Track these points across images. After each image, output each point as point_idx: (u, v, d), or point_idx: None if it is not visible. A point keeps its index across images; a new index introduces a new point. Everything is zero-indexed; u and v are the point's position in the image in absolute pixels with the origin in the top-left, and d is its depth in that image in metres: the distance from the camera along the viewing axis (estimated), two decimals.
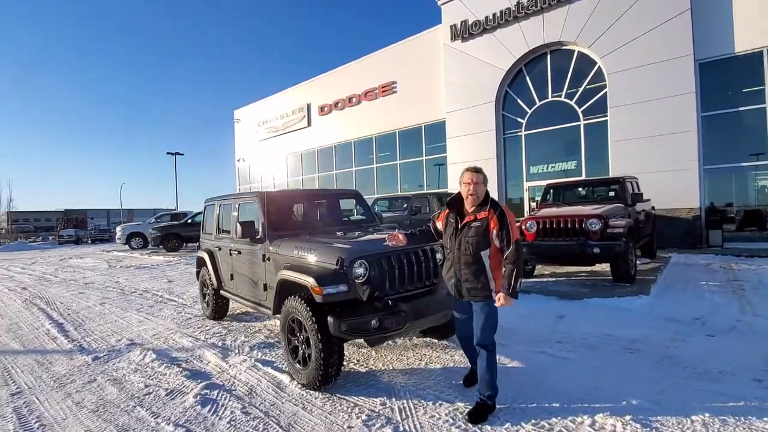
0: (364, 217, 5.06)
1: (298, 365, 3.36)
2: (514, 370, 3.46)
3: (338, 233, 4.05)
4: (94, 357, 4.41)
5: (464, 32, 14.28)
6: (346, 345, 3.94)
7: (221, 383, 3.53)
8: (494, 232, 2.63)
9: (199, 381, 3.58)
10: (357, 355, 3.96)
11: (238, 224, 4.17)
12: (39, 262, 16.32)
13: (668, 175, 10.49)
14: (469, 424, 2.65)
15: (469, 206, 2.78)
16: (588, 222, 6.11)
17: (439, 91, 15.45)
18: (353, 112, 19.09)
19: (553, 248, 6.30)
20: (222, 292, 5.21)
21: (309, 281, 3.13)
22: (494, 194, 13.52)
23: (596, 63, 11.88)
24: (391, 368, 3.64)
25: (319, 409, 2.96)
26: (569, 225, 6.26)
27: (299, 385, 3.33)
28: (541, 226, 6.51)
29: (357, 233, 4.24)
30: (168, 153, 31.69)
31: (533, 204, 8.23)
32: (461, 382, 3.24)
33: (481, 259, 2.66)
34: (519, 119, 13.72)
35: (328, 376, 3.16)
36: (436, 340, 4.26)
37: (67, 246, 28.34)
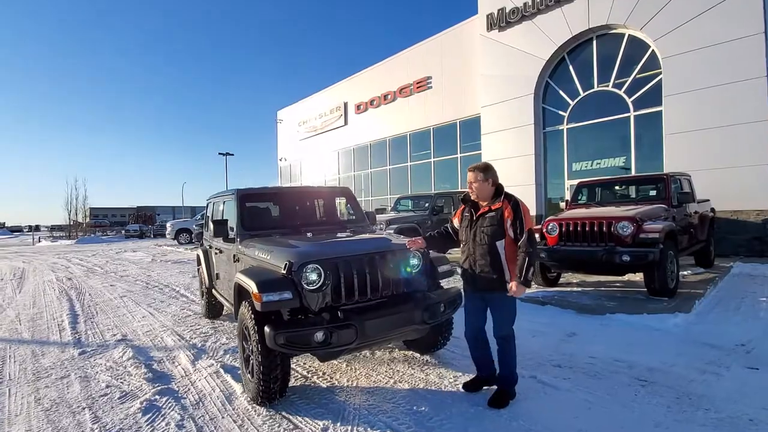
0: (354, 217, 4.72)
1: (249, 376, 3.10)
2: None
3: (308, 234, 3.74)
4: (82, 351, 4.45)
5: (501, 21, 13.44)
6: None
7: (176, 389, 3.36)
8: (509, 221, 2.66)
9: (157, 385, 3.43)
10: (325, 366, 3.64)
11: (211, 222, 4.01)
12: (99, 254, 17.67)
13: (733, 172, 9.10)
14: None
15: (481, 201, 2.85)
16: (618, 225, 5.33)
17: (475, 85, 14.71)
18: (388, 109, 18.78)
19: (575, 254, 5.56)
20: (213, 291, 5.12)
21: (251, 286, 2.85)
22: (532, 193, 12.76)
23: (649, 47, 10.62)
24: (354, 385, 3.27)
25: (255, 429, 2.67)
26: (596, 228, 5.50)
27: (248, 398, 3.07)
28: (563, 229, 5.79)
29: (335, 234, 3.92)
30: (220, 153, 33.29)
31: (562, 204, 7.42)
32: (422, 408, 2.80)
33: (496, 250, 2.69)
34: (560, 112, 12.67)
35: (271, 393, 2.86)
36: (418, 354, 3.83)
37: (131, 240, 30.70)
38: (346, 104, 21.10)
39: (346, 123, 21.15)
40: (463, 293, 3.18)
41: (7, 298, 8.03)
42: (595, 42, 11.79)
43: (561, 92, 12.61)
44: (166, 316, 5.82)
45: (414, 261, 3.37)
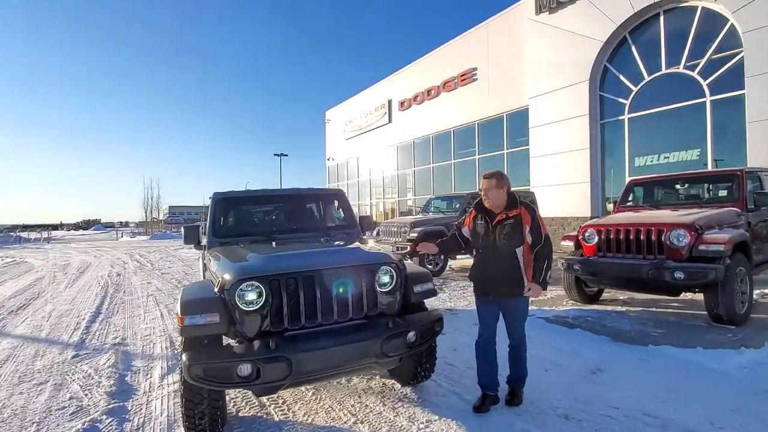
0: (345, 223, 4.26)
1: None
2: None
3: (274, 243, 3.34)
4: (75, 355, 4.45)
5: (552, 2, 12.20)
6: None
7: (129, 408, 3.12)
8: (527, 227, 2.66)
9: (114, 401, 3.23)
10: (288, 393, 3.22)
11: (182, 228, 3.76)
12: (160, 250, 18.91)
13: None
14: None
15: (495, 209, 2.78)
16: (670, 234, 4.33)
17: (523, 75, 13.56)
18: (432, 105, 18.05)
19: (616, 268, 4.63)
20: None
21: (178, 306, 2.50)
22: (587, 193, 11.44)
23: (727, 21, 8.98)
24: (309, 421, 2.80)
25: None
26: (643, 237, 4.53)
27: None
28: (603, 237, 4.87)
29: (309, 243, 3.49)
30: (275, 154, 34.49)
31: (610, 206, 6.38)
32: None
33: (516, 257, 2.69)
34: (621, 100, 11.22)
35: (198, 430, 2.49)
36: (399, 385, 3.28)
37: None
38: (390, 101, 20.68)
39: (390, 121, 20.73)
40: (477, 304, 2.99)
41: (56, 293, 8.62)
42: (662, 18, 10.24)
43: (621, 77, 11.16)
44: (174, 320, 5.77)
45: (384, 278, 2.84)
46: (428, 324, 2.78)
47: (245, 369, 2.26)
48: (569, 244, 5.35)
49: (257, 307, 2.47)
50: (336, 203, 4.36)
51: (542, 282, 2.70)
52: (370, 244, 3.91)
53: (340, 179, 25.89)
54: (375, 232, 9.42)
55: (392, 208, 20.85)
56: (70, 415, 3.08)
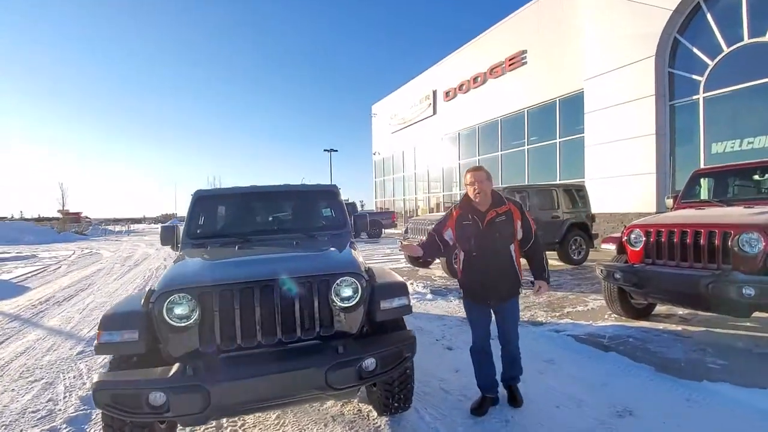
0: (335, 222, 3.84)
1: None
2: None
3: (237, 246, 3.00)
4: (80, 352, 4.50)
5: None
6: None
7: (92, 417, 2.98)
8: (518, 223, 2.60)
9: (83, 408, 3.12)
10: (251, 416, 2.88)
11: (160, 228, 3.58)
12: None
13: None
14: None
15: (482, 206, 2.62)
16: (739, 237, 3.41)
17: (578, 54, 12.24)
18: (478, 93, 17.05)
19: (666, 279, 3.77)
20: None
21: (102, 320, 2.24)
22: (652, 185, 10.04)
23: None
24: None
25: None
26: (703, 241, 3.63)
27: None
28: (652, 240, 4.01)
29: (283, 246, 3.13)
30: (324, 150, 34.97)
31: (669, 201, 5.36)
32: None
33: (510, 255, 2.61)
34: (695, 77, 9.67)
35: None
36: (375, 414, 2.82)
37: None
38: (434, 92, 19.91)
39: (434, 112, 19.97)
40: (468, 311, 2.82)
41: (104, 284, 9.15)
42: None
43: (695, 50, 9.61)
44: None
45: (346, 291, 2.39)
46: (392, 349, 2.29)
47: (158, 398, 1.94)
48: (611, 248, 4.51)
49: (187, 323, 2.15)
50: (328, 200, 3.96)
51: (547, 277, 2.67)
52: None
53: (386, 174, 25.58)
54: (404, 230, 8.93)
55: (437, 203, 20.14)
56: (37, 420, 2.99)
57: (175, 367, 2.04)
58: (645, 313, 4.60)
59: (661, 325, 4.32)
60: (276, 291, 2.24)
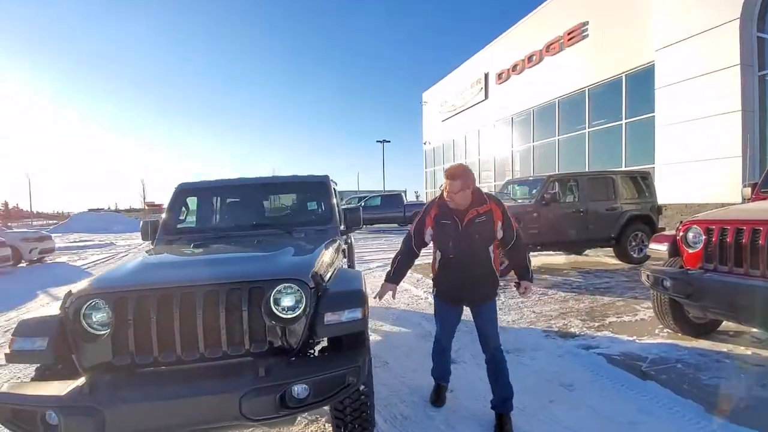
0: (322, 217, 3.48)
1: None
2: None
3: (192, 245, 2.74)
4: None
5: None
6: None
7: None
8: (499, 223, 2.46)
9: None
10: None
11: (141, 222, 3.46)
12: None
13: None
14: None
15: (461, 206, 2.44)
16: None
17: (647, 22, 10.67)
18: (533, 73, 15.71)
19: (727, 290, 2.93)
20: None
21: None
22: (737, 171, 8.49)
23: None
24: None
25: None
26: None
27: None
28: (714, 240, 3.16)
29: (253, 242, 2.84)
30: (377, 141, 34.87)
31: (746, 191, 4.30)
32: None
33: (489, 257, 2.49)
34: None
35: None
36: None
37: None
38: (486, 75, 18.74)
39: (486, 97, 18.83)
40: (439, 309, 2.68)
41: None
42: None
43: None
44: None
45: (287, 302, 2.03)
46: (330, 374, 1.88)
47: (53, 418, 1.72)
48: (661, 248, 3.69)
49: (99, 332, 1.92)
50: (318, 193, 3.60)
51: (531, 277, 2.55)
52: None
53: (437, 163, 24.79)
54: None
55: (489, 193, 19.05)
56: None
57: (74, 383, 1.81)
58: (707, 330, 3.71)
59: (724, 347, 3.43)
60: (198, 299, 1.93)
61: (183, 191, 3.47)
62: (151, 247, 3.15)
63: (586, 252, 8.96)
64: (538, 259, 8.51)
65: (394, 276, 2.60)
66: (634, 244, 7.50)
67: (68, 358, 1.98)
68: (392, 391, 2.99)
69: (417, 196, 36.71)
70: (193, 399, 1.75)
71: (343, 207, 3.52)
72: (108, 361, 1.91)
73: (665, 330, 3.88)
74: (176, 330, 1.91)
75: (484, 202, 2.45)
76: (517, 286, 2.55)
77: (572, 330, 4.13)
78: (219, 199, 3.58)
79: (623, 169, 10.65)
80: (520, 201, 7.49)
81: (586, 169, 12.62)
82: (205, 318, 1.92)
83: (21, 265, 11.08)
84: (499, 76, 17.67)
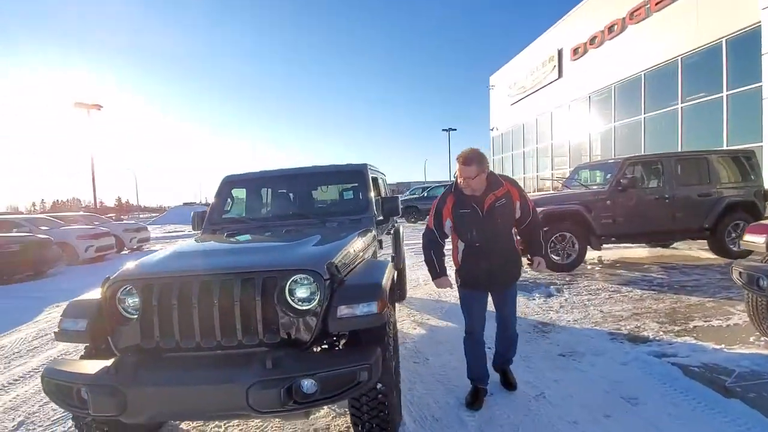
0: (358, 206, 3.39)
1: None
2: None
3: (225, 234, 2.80)
4: None
5: None
6: None
7: None
8: (518, 203, 2.46)
9: None
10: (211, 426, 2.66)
11: (192, 213, 3.65)
12: None
13: None
14: None
15: (478, 192, 2.39)
16: None
17: None
18: (614, 46, 14.16)
19: None
20: None
21: None
22: None
23: None
24: None
25: None
26: None
27: None
28: None
29: (286, 232, 2.86)
30: (443, 130, 34.12)
31: None
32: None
33: (512, 238, 2.52)
34: None
35: None
36: None
37: None
38: (560, 52, 17.28)
39: (560, 75, 17.39)
40: (466, 300, 2.61)
41: None
42: None
43: None
44: None
45: (301, 293, 1.99)
46: (339, 370, 1.79)
47: (84, 393, 1.85)
48: (758, 240, 3.06)
49: (129, 316, 2.03)
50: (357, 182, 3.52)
51: (545, 253, 2.68)
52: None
53: (505, 150, 23.57)
54: None
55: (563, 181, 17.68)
56: None
57: (105, 364, 1.93)
58: None
59: None
60: (214, 287, 1.95)
61: (228, 183, 3.59)
62: (201, 234, 3.31)
63: (675, 245, 7.90)
64: (613, 253, 7.69)
65: (441, 269, 2.55)
66: (734, 235, 6.41)
67: (105, 339, 2.12)
68: (427, 390, 2.84)
69: None
70: (203, 387, 1.76)
71: (382, 197, 3.39)
72: (137, 343, 2.01)
73: (762, 339, 3.23)
74: (195, 317, 1.94)
75: (501, 184, 2.42)
76: (530, 263, 2.59)
77: (645, 334, 3.62)
78: (261, 189, 3.66)
79: (717, 149, 9.18)
80: (593, 188, 6.76)
81: (679, 150, 11.10)
82: (221, 306, 1.93)
83: (124, 252, 12.60)
84: (575, 51, 16.18)
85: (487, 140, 26.00)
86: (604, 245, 6.52)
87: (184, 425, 2.56)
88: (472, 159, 2.30)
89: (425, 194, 18.08)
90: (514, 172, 22.56)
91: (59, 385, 1.91)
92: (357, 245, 2.59)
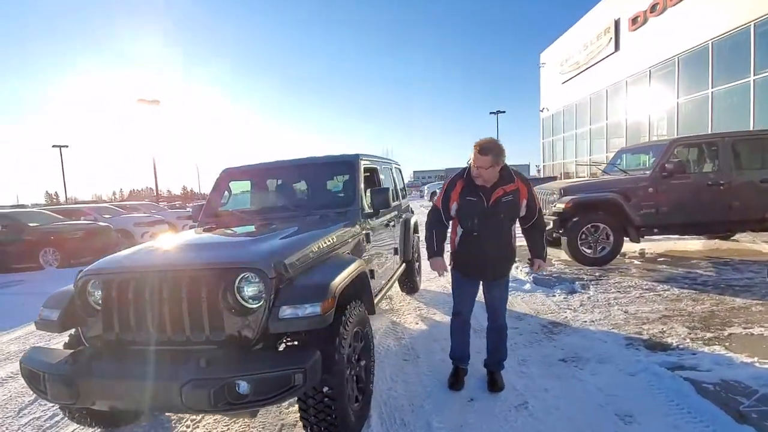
0: (345, 198, 3.30)
1: None
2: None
3: (202, 229, 2.83)
4: None
5: None
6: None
7: None
8: (524, 201, 2.44)
9: None
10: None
11: (192, 207, 3.76)
12: None
13: None
14: None
15: (488, 183, 2.38)
16: None
17: None
18: (678, 12, 12.68)
19: None
20: None
21: None
22: None
23: None
24: None
25: None
26: None
27: None
28: None
29: (266, 225, 2.85)
30: (491, 113, 32.73)
31: None
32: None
33: (511, 234, 2.50)
34: None
35: None
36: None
37: (414, 199, 35.66)
38: (617, 22, 15.79)
39: (617, 48, 15.94)
40: (457, 282, 2.67)
41: None
42: None
43: None
44: None
45: (249, 291, 1.96)
46: (274, 372, 1.75)
47: (44, 381, 1.96)
48: None
49: (93, 309, 2.13)
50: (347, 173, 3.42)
51: (545, 255, 2.58)
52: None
53: (556, 132, 22.17)
54: None
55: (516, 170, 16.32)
56: None
57: (66, 353, 2.03)
58: None
59: None
60: (166, 283, 1.97)
61: (225, 175, 3.64)
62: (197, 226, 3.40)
63: (735, 237, 7.01)
64: (659, 245, 6.97)
65: (439, 249, 2.59)
66: None
67: (75, 330, 2.24)
68: (407, 391, 2.73)
69: (538, 170, 33.70)
70: (143, 382, 1.80)
71: (373, 189, 3.27)
72: (100, 335, 2.09)
73: None
74: (148, 312, 1.98)
75: (512, 180, 2.39)
76: (531, 263, 2.57)
77: (668, 340, 3.23)
78: (255, 182, 3.68)
79: None
80: (634, 173, 6.13)
81: (751, 127, 9.78)
82: (170, 302, 1.95)
83: None
84: (633, 20, 14.68)
85: (536, 122, 24.63)
86: (646, 237, 5.93)
87: (167, 414, 2.68)
88: (490, 149, 2.27)
89: None
90: (565, 156, 21.25)
91: (30, 371, 2.03)
92: (325, 241, 2.52)
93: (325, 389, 1.93)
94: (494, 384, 2.62)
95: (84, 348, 2.09)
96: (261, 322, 1.91)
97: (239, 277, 1.93)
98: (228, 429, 2.42)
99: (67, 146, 33.90)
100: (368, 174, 3.85)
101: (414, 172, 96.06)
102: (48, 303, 2.27)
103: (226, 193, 3.65)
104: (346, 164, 3.37)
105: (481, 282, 2.63)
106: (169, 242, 2.52)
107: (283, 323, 1.88)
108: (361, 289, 2.62)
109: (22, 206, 29.20)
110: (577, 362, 2.97)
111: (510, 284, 5.06)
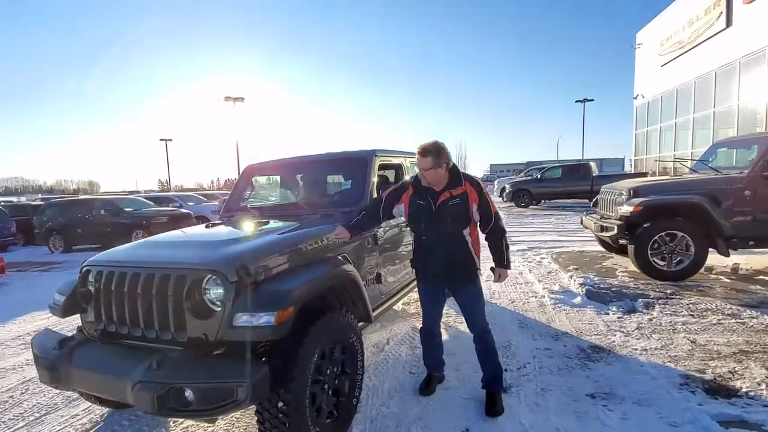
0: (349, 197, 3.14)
1: None
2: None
3: (206, 225, 2.85)
4: None
5: None
6: None
7: None
8: (474, 206, 2.40)
9: None
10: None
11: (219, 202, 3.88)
12: None
13: None
14: None
15: (436, 186, 2.39)
16: None
17: None
18: None
19: None
20: None
21: None
22: None
23: None
24: None
25: None
26: None
27: None
28: None
29: (270, 222, 2.82)
30: (576, 101, 30.06)
31: None
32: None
33: (464, 239, 2.44)
34: None
35: None
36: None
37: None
38: None
39: (728, 24, 13.50)
40: (421, 291, 2.66)
41: None
42: None
43: None
44: None
45: (213, 294, 1.92)
46: (217, 384, 1.68)
47: (42, 367, 2.12)
48: None
49: (87, 298, 2.25)
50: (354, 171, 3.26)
51: (507, 263, 2.49)
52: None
53: (651, 122, 19.57)
54: (593, 201, 6.63)
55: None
56: None
57: (59, 338, 2.17)
58: None
59: None
60: (141, 280, 2.01)
61: (247, 171, 3.70)
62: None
63: None
64: (761, 260, 5.74)
65: (353, 226, 2.52)
66: None
67: (75, 316, 2.38)
68: (401, 410, 2.53)
69: (632, 165, 30.24)
70: (106, 376, 1.85)
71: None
72: (92, 323, 2.21)
73: None
74: (126, 306, 2.04)
75: (460, 183, 2.36)
76: (493, 271, 2.51)
77: (736, 384, 2.60)
78: (272, 178, 3.68)
79: None
80: (727, 173, 5.08)
81: None
82: (143, 298, 1.99)
83: None
84: None
85: (629, 111, 22.01)
86: (740, 250, 4.91)
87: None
88: (429, 151, 2.27)
89: (540, 176, 16.30)
90: (661, 149, 18.76)
91: (33, 352, 2.22)
92: (315, 242, 2.39)
93: (280, 404, 1.82)
94: (492, 407, 2.43)
95: (74, 335, 2.22)
96: (219, 328, 1.85)
97: (206, 279, 1.89)
98: (232, 426, 2.44)
99: (171, 140, 38.28)
100: (392, 170, 3.65)
101: (491, 165, 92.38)
102: (60, 288, 2.45)
103: (249, 188, 3.70)
104: (359, 160, 3.21)
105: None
106: (164, 238, 2.59)
107: (237, 331, 1.80)
108: (352, 296, 2.47)
109: (136, 192, 33.77)
110: (609, 400, 2.51)
111: (559, 297, 4.65)
